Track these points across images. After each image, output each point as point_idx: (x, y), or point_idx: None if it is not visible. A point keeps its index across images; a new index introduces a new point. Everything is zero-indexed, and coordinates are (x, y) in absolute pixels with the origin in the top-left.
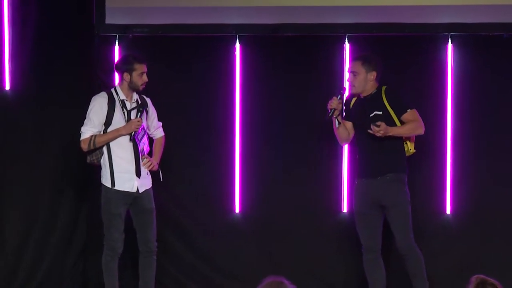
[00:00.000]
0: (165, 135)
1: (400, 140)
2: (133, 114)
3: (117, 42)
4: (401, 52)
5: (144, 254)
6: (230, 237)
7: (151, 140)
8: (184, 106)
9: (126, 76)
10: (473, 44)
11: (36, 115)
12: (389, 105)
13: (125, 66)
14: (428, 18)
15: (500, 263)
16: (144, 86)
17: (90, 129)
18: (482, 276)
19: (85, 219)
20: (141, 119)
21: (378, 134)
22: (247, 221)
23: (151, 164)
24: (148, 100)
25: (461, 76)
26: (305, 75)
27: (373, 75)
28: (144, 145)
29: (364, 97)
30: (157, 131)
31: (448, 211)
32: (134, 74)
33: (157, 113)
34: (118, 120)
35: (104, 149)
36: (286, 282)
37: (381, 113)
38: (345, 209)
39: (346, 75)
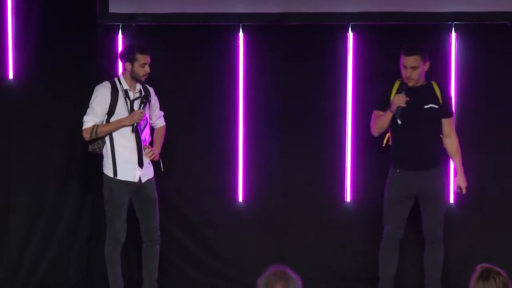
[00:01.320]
0: (168, 124)
1: (439, 133)
2: (136, 104)
3: (120, 31)
4: (405, 41)
5: (147, 243)
6: (233, 226)
7: (152, 130)
8: (188, 96)
9: (128, 66)
10: (477, 33)
11: (40, 104)
12: (444, 101)
13: (127, 56)
14: (432, 7)
15: (503, 252)
16: (146, 77)
17: (92, 118)
18: (486, 264)
19: (90, 209)
20: (144, 110)
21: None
22: (250, 210)
23: (152, 154)
24: (151, 90)
25: (464, 65)
26: (308, 64)
27: (427, 65)
28: (146, 135)
29: (415, 88)
30: (159, 121)
31: (451, 201)
32: (136, 64)
33: (160, 103)
34: (121, 110)
35: (107, 138)
36: (289, 271)
37: (437, 107)
38: (348, 198)
39: (350, 63)
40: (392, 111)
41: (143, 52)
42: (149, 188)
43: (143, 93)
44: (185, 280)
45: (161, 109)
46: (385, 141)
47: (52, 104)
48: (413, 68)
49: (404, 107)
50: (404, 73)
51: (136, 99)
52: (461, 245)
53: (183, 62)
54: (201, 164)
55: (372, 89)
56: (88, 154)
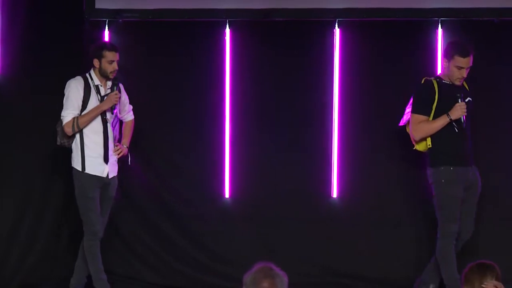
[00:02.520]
0: (155, 120)
1: None
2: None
3: (107, 27)
4: (391, 37)
5: (91, 238)
6: (220, 222)
7: (121, 123)
8: (174, 91)
9: (96, 62)
10: (463, 29)
11: (27, 99)
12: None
13: (95, 52)
14: (419, 3)
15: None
16: (114, 74)
17: (71, 112)
18: (480, 261)
19: (76, 204)
20: (118, 92)
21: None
22: (237, 206)
23: (120, 151)
24: (121, 86)
25: None
26: (295, 60)
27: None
28: (116, 131)
29: (452, 84)
30: (128, 115)
31: None
32: (103, 61)
33: (147, 98)
34: (93, 104)
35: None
36: (275, 268)
37: (471, 99)
38: (334, 194)
39: (337, 59)
40: (452, 119)
41: (110, 49)
42: (112, 186)
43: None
44: (172, 274)
45: (148, 105)
46: (429, 143)
47: (39, 98)
48: (469, 68)
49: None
50: (459, 73)
51: (107, 95)
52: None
53: (170, 58)
54: (188, 160)
55: (358, 83)
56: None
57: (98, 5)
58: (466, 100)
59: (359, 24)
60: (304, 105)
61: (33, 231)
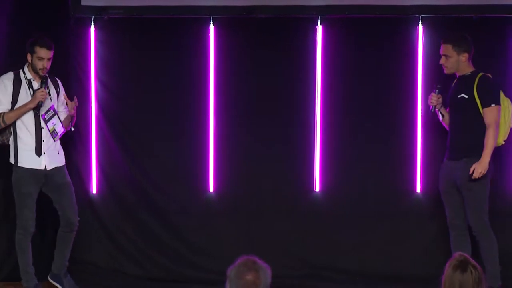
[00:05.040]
0: (141, 115)
1: (480, 126)
2: None
3: (92, 24)
4: (373, 34)
5: (65, 229)
6: (205, 216)
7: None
8: (159, 87)
9: (29, 57)
10: (443, 26)
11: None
12: (477, 92)
13: (28, 47)
14: (399, 0)
15: None
16: (44, 72)
17: None
18: (464, 254)
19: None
20: (45, 90)
21: (478, 176)
22: (221, 200)
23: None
24: (59, 82)
25: (431, 56)
26: (278, 56)
27: (464, 56)
28: (55, 125)
29: (459, 77)
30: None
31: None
32: (34, 56)
33: (133, 94)
34: (23, 98)
35: (11, 128)
36: (258, 261)
37: (467, 97)
38: (317, 188)
39: (319, 55)
40: (431, 112)
41: (42, 45)
42: (58, 175)
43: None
44: (156, 268)
45: (132, 100)
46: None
47: None
48: (445, 56)
49: (435, 106)
50: (440, 60)
51: (39, 88)
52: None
53: (155, 54)
54: (172, 155)
55: (340, 79)
56: None
57: (84, 2)
58: (460, 96)
59: (341, 21)
60: (287, 101)
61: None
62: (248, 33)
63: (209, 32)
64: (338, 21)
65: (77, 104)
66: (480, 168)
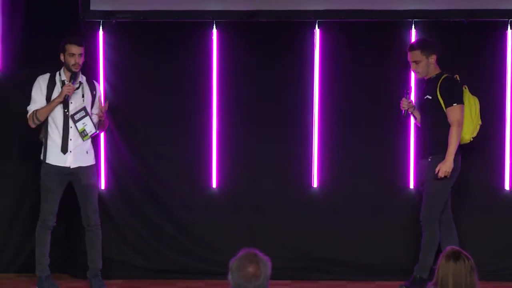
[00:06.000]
0: (146, 115)
1: (444, 125)
2: (73, 95)
3: (101, 28)
4: (368, 37)
5: (86, 228)
6: (208, 211)
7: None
8: (165, 87)
9: (61, 56)
10: (435, 30)
11: (25, 95)
12: (440, 93)
13: (59, 47)
14: (393, 5)
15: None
16: (77, 68)
17: (32, 106)
18: (457, 247)
19: (71, 192)
20: (72, 84)
21: (445, 174)
22: (223, 196)
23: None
24: (97, 86)
25: None
26: (278, 59)
27: (433, 58)
28: (85, 126)
29: (427, 79)
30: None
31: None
32: (66, 54)
33: (139, 94)
34: None
35: (45, 126)
36: (259, 253)
37: (431, 98)
38: (315, 184)
39: (317, 58)
40: (404, 116)
41: (71, 42)
42: (81, 175)
43: (82, 85)
44: (161, 260)
45: (139, 100)
46: None
47: None
48: (415, 62)
49: (406, 110)
50: (411, 67)
51: (75, 89)
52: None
53: (161, 56)
54: (177, 152)
55: (337, 80)
56: None
57: (93, 6)
58: (425, 97)
59: (338, 25)
60: (287, 101)
61: (31, 219)
62: (249, 37)
63: (212, 36)
64: (335, 25)
65: (106, 108)
66: (444, 167)
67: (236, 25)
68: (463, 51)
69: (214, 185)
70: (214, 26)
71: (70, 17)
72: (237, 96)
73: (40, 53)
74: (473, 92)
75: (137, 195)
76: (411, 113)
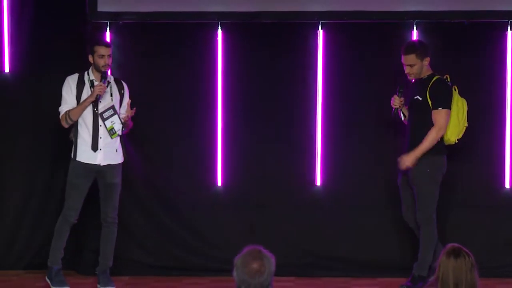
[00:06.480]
0: (152, 115)
1: (428, 124)
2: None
3: (108, 29)
4: (370, 38)
5: (103, 224)
6: (213, 208)
7: None
8: (170, 87)
9: (90, 58)
10: (436, 31)
11: (34, 95)
12: (429, 95)
13: (88, 49)
14: (396, 7)
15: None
16: (106, 68)
17: (64, 107)
18: (457, 245)
19: None
20: (104, 84)
21: (404, 167)
22: (229, 194)
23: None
24: (125, 86)
25: None
26: (282, 59)
27: (427, 60)
28: (113, 124)
29: (418, 80)
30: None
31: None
32: (95, 55)
33: (145, 94)
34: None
35: (75, 125)
36: (263, 250)
37: (421, 99)
38: (318, 182)
39: (320, 58)
40: (394, 113)
41: (100, 44)
42: (109, 173)
43: (110, 84)
44: (167, 257)
45: (145, 100)
46: None
47: (44, 95)
48: (410, 66)
49: (398, 108)
50: (404, 69)
51: None
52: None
53: (166, 56)
54: (183, 151)
55: (340, 80)
56: None
57: (100, 8)
58: (415, 98)
59: (340, 26)
60: (291, 100)
61: (39, 216)
62: (254, 38)
63: (217, 37)
64: (338, 26)
65: (133, 114)
66: (406, 161)
67: (241, 26)
68: (463, 51)
69: (219, 183)
70: (219, 27)
71: (78, 18)
72: (242, 96)
73: (48, 54)
74: (473, 92)
75: (143, 193)
76: (400, 110)
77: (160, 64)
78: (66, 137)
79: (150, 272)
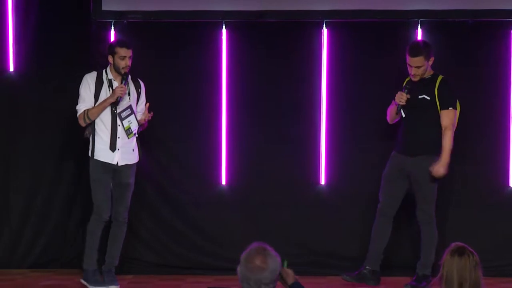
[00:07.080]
0: (158, 114)
1: (438, 126)
2: None
3: (113, 28)
4: (375, 37)
5: (114, 222)
6: (217, 207)
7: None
8: (175, 86)
9: (110, 58)
10: (440, 29)
11: (38, 94)
12: (438, 94)
13: (109, 49)
14: (400, 6)
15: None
16: (126, 70)
17: (82, 105)
18: (461, 243)
19: (84, 188)
20: (124, 86)
21: (438, 175)
22: (233, 192)
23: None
24: (141, 85)
25: None
26: (286, 58)
27: (432, 60)
28: (130, 124)
29: (421, 79)
30: (139, 114)
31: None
32: (116, 57)
33: (150, 93)
34: (104, 97)
35: (92, 125)
36: (269, 248)
37: (429, 98)
38: (322, 181)
39: (324, 57)
40: (398, 110)
41: (122, 45)
42: (125, 173)
43: (128, 83)
44: (172, 256)
45: (151, 98)
46: None
47: (49, 94)
48: (417, 67)
49: (403, 104)
50: (410, 70)
51: None
52: None
53: (171, 56)
54: (187, 150)
55: (344, 79)
56: (81, 139)
57: (105, 7)
58: (421, 97)
59: (345, 25)
60: (295, 100)
61: (43, 215)
62: (258, 36)
63: (221, 35)
64: (342, 25)
65: (149, 118)
66: (443, 169)
67: (245, 25)
68: (467, 50)
69: (223, 182)
70: (224, 26)
71: (82, 17)
72: (246, 95)
73: (52, 53)
74: (477, 91)
75: (148, 192)
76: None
77: (165, 63)
78: (71, 135)
79: (154, 271)
